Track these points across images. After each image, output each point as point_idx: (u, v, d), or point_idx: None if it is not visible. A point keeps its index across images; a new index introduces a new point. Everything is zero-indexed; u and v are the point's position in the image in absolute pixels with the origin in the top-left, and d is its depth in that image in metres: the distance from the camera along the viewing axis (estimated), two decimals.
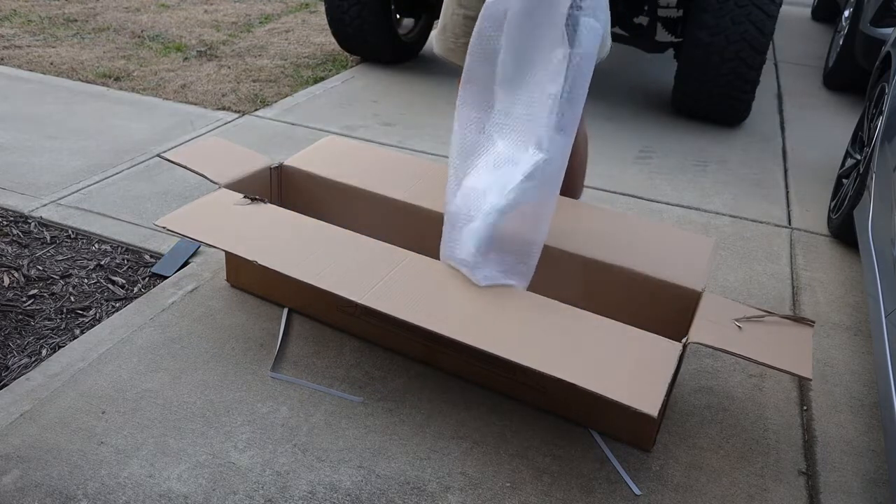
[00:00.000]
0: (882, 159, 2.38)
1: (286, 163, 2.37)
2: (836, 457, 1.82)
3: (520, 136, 1.75)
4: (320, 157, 2.42)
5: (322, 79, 4.31)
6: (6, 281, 2.22)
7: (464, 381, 1.94)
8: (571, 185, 2.40)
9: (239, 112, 3.70)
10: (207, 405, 1.81)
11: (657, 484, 1.69)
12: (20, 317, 2.09)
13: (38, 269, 2.30)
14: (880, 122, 2.59)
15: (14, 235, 2.46)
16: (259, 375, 1.92)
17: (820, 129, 4.11)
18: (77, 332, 2.04)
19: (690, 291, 1.89)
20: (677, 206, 3.06)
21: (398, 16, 4.54)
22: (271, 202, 2.11)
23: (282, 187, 2.39)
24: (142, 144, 3.23)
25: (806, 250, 2.78)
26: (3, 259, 2.33)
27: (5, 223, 2.53)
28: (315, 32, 5.30)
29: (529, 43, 1.71)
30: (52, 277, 2.27)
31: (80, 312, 2.13)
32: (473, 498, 1.61)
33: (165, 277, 2.29)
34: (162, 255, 2.40)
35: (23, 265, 2.31)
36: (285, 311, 2.16)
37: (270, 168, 2.33)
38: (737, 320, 1.75)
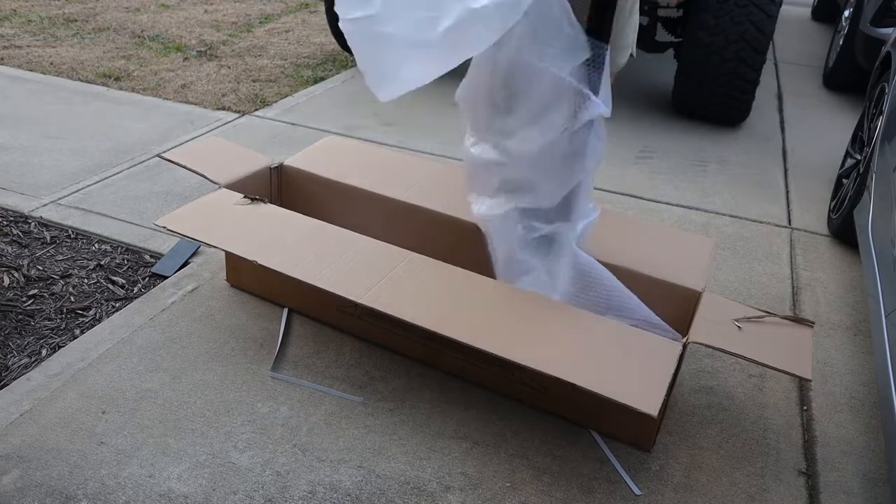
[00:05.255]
0: (882, 159, 2.38)
1: (286, 163, 2.37)
2: (836, 457, 1.82)
3: None
4: (320, 157, 2.42)
5: (322, 79, 4.31)
6: (6, 281, 2.22)
7: (464, 381, 1.94)
8: None
9: (239, 112, 3.70)
10: (207, 405, 1.81)
11: (657, 484, 1.69)
12: (20, 317, 2.09)
13: (38, 269, 2.30)
14: (880, 122, 2.59)
15: (14, 235, 2.46)
16: (259, 375, 1.92)
17: (820, 129, 4.11)
18: (77, 332, 2.04)
19: (690, 291, 1.89)
20: (677, 206, 3.06)
21: None
22: (271, 202, 2.11)
23: (282, 187, 2.39)
24: (142, 144, 3.23)
25: (806, 250, 2.78)
26: (3, 259, 2.33)
27: (5, 223, 2.53)
28: (315, 32, 5.30)
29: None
30: (52, 277, 2.27)
31: (80, 312, 2.13)
32: (473, 498, 1.61)
33: (165, 277, 2.29)
34: (162, 255, 2.40)
35: (23, 265, 2.31)
36: (285, 311, 2.15)
37: (270, 168, 2.33)
38: (737, 320, 1.75)
